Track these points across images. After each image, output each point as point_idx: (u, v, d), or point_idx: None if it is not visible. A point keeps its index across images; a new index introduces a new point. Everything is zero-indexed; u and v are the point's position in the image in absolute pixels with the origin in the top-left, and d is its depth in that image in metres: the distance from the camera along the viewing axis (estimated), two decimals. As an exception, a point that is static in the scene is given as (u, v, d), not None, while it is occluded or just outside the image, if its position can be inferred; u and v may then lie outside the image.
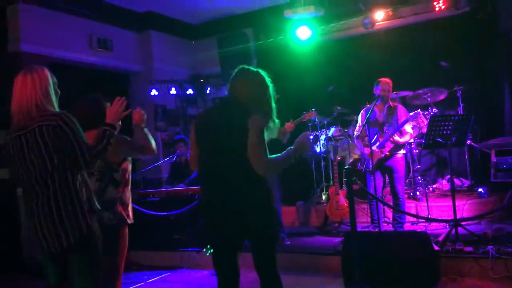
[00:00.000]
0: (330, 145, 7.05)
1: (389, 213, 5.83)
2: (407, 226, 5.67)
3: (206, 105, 8.73)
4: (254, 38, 8.31)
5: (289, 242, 5.62)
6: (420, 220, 5.76)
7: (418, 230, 5.41)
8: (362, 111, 5.62)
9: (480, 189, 6.08)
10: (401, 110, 5.45)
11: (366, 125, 5.17)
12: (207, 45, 8.76)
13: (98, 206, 2.71)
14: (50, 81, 2.65)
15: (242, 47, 7.97)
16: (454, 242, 4.52)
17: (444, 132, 4.86)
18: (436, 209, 5.94)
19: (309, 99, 7.05)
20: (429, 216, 5.78)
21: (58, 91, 2.72)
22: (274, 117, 2.75)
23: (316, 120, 7.06)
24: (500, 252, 4.15)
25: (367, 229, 5.70)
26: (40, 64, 2.76)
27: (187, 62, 9.11)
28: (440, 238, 4.64)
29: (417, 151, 6.73)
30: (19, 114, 2.57)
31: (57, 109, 2.64)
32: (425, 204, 5.94)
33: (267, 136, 2.65)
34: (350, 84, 7.36)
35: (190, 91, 8.64)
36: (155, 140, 3.40)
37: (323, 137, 7.09)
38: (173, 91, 8.47)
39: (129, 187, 3.40)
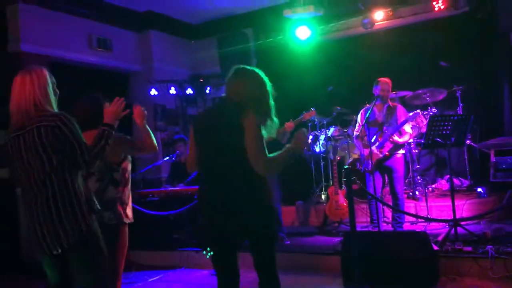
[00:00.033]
0: (329, 145, 7.05)
1: (389, 213, 5.84)
2: (407, 226, 5.67)
3: (206, 105, 8.73)
4: (253, 38, 8.32)
5: (288, 242, 5.62)
6: (420, 220, 5.77)
7: (417, 230, 5.41)
8: (361, 111, 5.63)
9: (479, 189, 6.08)
10: (400, 110, 5.46)
11: (365, 125, 5.17)
12: (207, 45, 8.76)
13: (98, 206, 2.71)
14: (49, 81, 2.65)
15: (242, 47, 7.97)
16: (453, 242, 4.52)
17: (444, 132, 4.86)
18: (436, 209, 5.95)
19: (308, 99, 7.05)
20: (429, 216, 5.79)
21: (57, 91, 2.73)
22: (273, 115, 2.73)
23: (316, 120, 7.07)
24: (499, 252, 4.15)
25: (366, 229, 5.70)
26: (40, 64, 2.77)
27: (187, 62, 9.11)
28: (440, 238, 4.64)
29: (416, 151, 6.73)
30: (17, 114, 2.57)
31: (55, 109, 2.64)
32: (425, 204, 5.94)
33: (265, 134, 2.63)
34: (349, 84, 7.36)
35: (189, 91, 8.63)
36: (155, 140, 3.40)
37: (322, 137, 7.10)
38: (172, 90, 8.47)
39: (129, 186, 3.40)
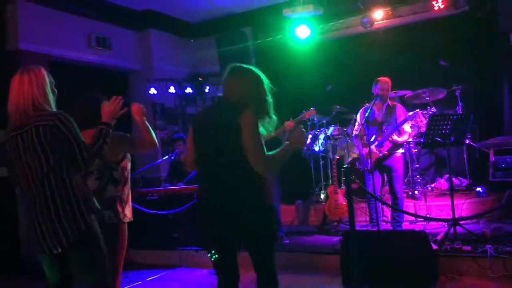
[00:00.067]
0: (329, 144, 7.04)
1: (388, 212, 5.84)
2: (406, 225, 5.67)
3: (205, 104, 8.73)
4: (253, 37, 8.32)
5: (288, 241, 5.62)
6: (419, 219, 5.77)
7: (416, 229, 5.42)
8: (361, 110, 5.63)
9: (478, 188, 6.09)
10: (399, 109, 5.46)
11: (365, 124, 5.17)
12: (206, 44, 8.75)
13: (98, 205, 2.71)
14: (47, 80, 2.65)
15: (241, 46, 7.97)
16: (452, 241, 4.52)
17: (443, 131, 4.86)
18: (435, 208, 5.95)
19: (308, 98, 7.05)
20: (428, 215, 5.79)
21: (55, 90, 2.72)
22: (271, 113, 2.71)
23: (315, 119, 7.06)
24: (498, 251, 4.15)
25: (365, 228, 5.70)
26: (39, 63, 2.76)
27: (186, 61, 9.11)
28: (439, 237, 4.64)
29: (415, 150, 6.72)
30: (16, 114, 2.57)
31: (54, 109, 2.64)
32: (424, 203, 5.95)
33: (264, 132, 2.62)
34: (349, 83, 7.36)
35: (189, 90, 8.63)
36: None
37: (322, 136, 7.09)
38: (172, 89, 8.47)
39: (129, 185, 3.40)
